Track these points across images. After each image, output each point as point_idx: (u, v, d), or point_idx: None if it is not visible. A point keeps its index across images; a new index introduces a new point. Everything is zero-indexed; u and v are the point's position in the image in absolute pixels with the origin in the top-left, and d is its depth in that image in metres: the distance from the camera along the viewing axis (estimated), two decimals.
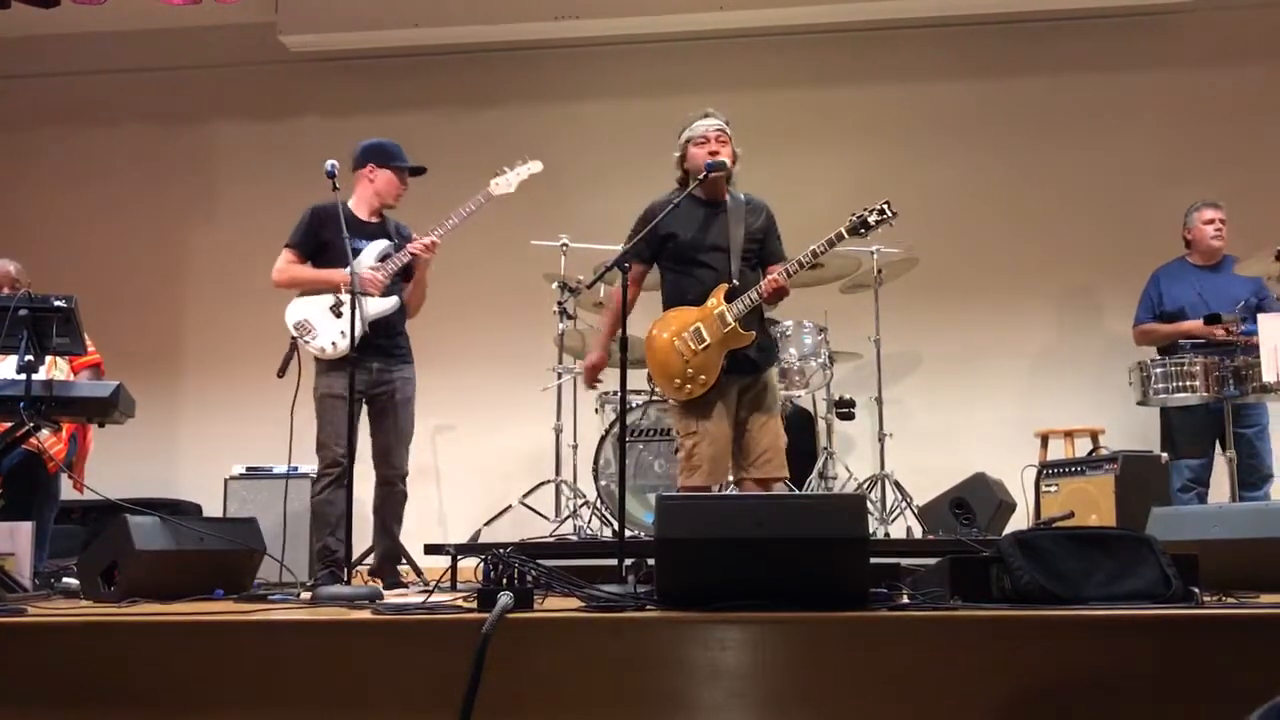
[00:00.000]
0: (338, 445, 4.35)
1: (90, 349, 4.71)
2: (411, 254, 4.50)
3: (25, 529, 3.82)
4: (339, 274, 4.38)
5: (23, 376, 3.83)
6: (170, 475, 6.87)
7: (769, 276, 4.12)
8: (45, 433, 4.34)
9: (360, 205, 4.68)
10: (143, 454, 6.49)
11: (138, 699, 2.59)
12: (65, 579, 3.99)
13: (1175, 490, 5.18)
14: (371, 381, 4.51)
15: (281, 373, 4.31)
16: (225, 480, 6.31)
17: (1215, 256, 5.59)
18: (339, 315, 4.42)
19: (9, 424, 4.03)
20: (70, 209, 7.45)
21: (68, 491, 4.94)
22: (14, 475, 4.59)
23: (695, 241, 4.20)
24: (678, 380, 4.12)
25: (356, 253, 4.33)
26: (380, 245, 4.57)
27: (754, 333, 4.17)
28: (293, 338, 4.42)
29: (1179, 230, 5.77)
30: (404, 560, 5.01)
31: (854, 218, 4.11)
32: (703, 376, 4.10)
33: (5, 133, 7.64)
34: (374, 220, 4.67)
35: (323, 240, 4.50)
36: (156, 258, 7.42)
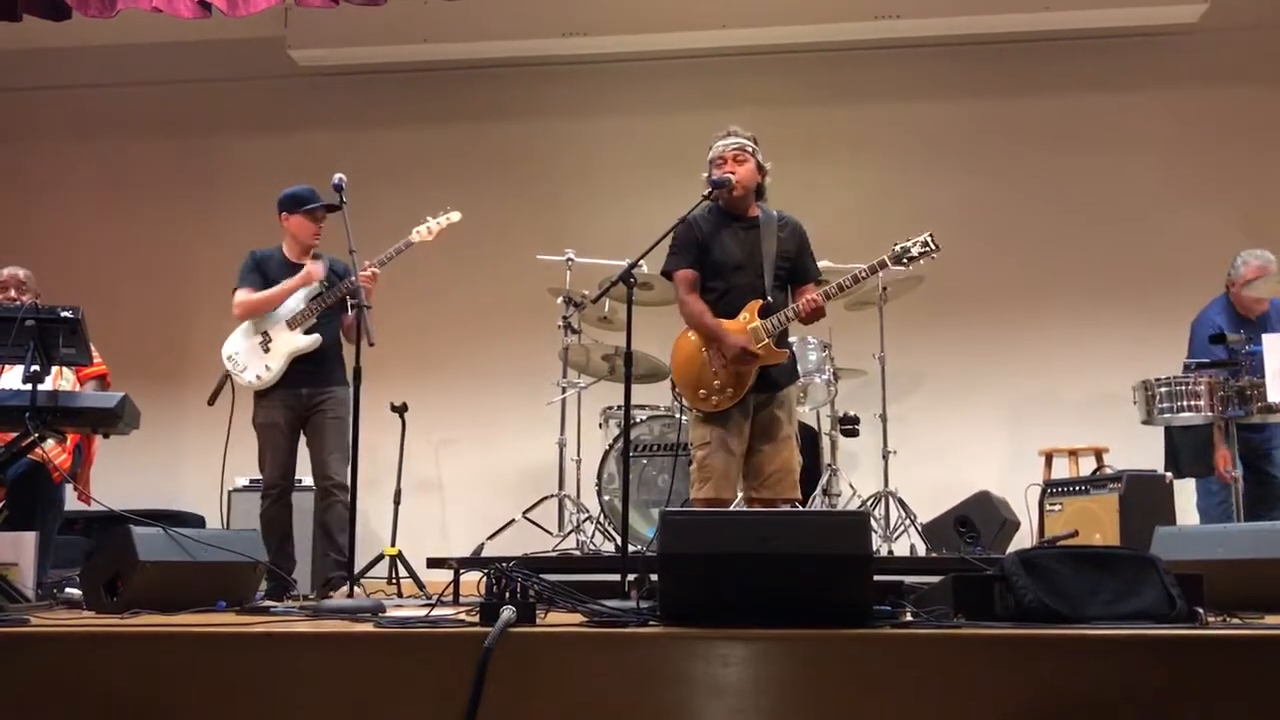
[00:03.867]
0: (275, 471, 4.83)
1: (96, 360, 4.71)
2: (358, 284, 4.53)
3: (29, 539, 3.82)
4: (297, 279, 4.84)
5: (29, 386, 3.84)
6: (173, 487, 6.88)
7: (807, 297, 4.12)
8: (50, 443, 4.34)
9: (290, 249, 5.04)
10: (146, 465, 6.49)
11: (139, 710, 2.58)
12: (68, 589, 3.97)
13: (1212, 506, 5.13)
14: (303, 406, 4.86)
15: (211, 401, 4.81)
16: (228, 492, 6.30)
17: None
18: (266, 350, 4.87)
19: (14, 434, 4.04)
20: (78, 221, 7.48)
21: (71, 502, 4.94)
22: (18, 485, 4.58)
23: (727, 255, 4.21)
24: (704, 391, 4.12)
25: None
26: (310, 287, 4.91)
27: (787, 351, 4.19)
28: (225, 371, 4.87)
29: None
30: (346, 568, 5.08)
31: (897, 247, 4.15)
32: (730, 390, 4.09)
33: (15, 144, 7.68)
34: (303, 261, 4.97)
35: (267, 279, 4.93)
36: (163, 270, 7.44)
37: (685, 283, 4.23)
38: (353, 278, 4.40)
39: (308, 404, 4.89)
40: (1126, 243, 6.74)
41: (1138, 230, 6.73)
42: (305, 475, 5.07)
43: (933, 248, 4.15)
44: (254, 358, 4.89)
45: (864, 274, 4.19)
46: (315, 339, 4.87)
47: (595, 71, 7.33)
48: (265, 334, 4.90)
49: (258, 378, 4.86)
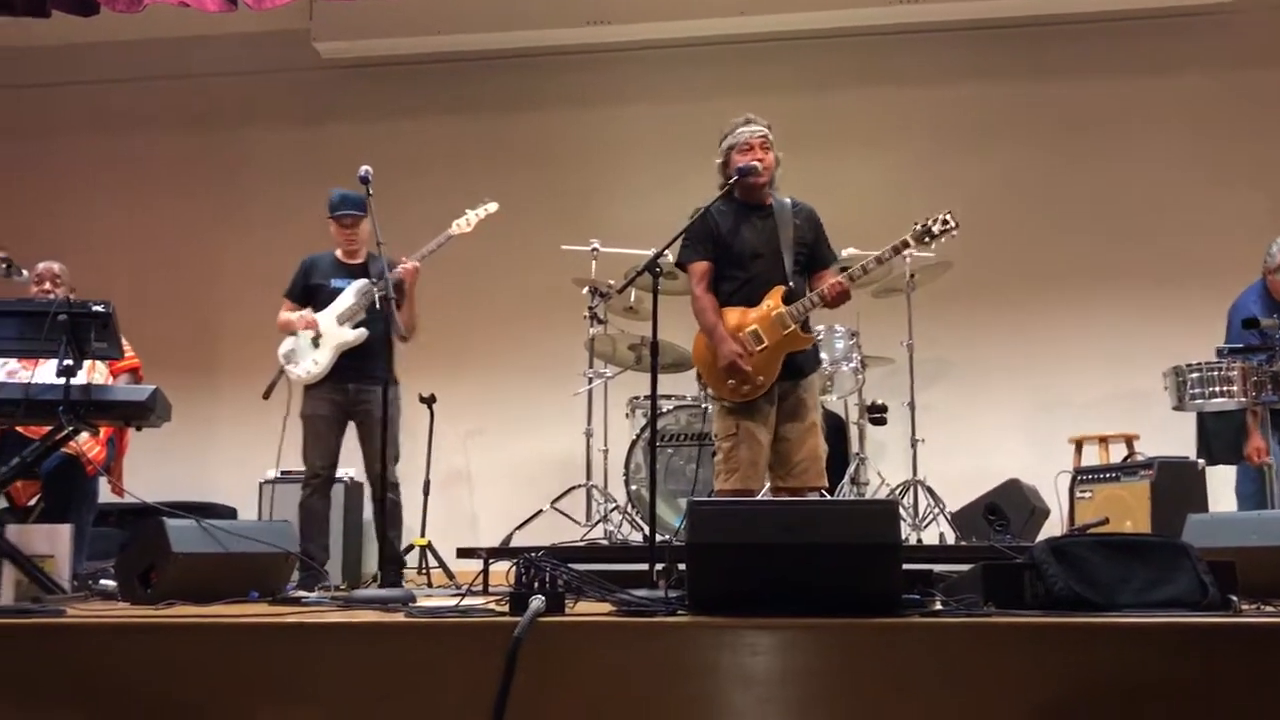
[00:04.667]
0: (317, 459, 4.97)
1: (128, 353, 4.76)
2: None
3: (65, 531, 3.86)
4: (297, 320, 5.03)
5: (62, 380, 3.88)
6: (205, 479, 6.93)
7: (832, 280, 4.11)
8: (84, 436, 4.39)
9: (339, 251, 5.21)
10: (178, 458, 6.55)
11: (174, 700, 2.61)
12: (103, 581, 4.03)
13: (1254, 491, 5.08)
14: (349, 401, 4.99)
15: (267, 395, 5.03)
16: (260, 484, 6.37)
17: None
18: (316, 345, 5.02)
19: (49, 427, 4.09)
20: (107, 215, 7.54)
21: (105, 494, 5.00)
22: (54, 478, 4.64)
23: (745, 243, 4.20)
24: (732, 381, 4.10)
25: (338, 291, 5.06)
26: (359, 284, 5.06)
27: (814, 336, 4.17)
28: (281, 366, 5.07)
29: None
30: (404, 564, 5.25)
31: (918, 226, 4.14)
32: (760, 378, 4.07)
33: (44, 140, 7.75)
34: (353, 262, 5.16)
35: (311, 285, 5.14)
36: (192, 263, 7.50)
37: (698, 275, 4.22)
38: (384, 270, 4.43)
39: (354, 399, 5.00)
40: (1159, 228, 6.67)
41: (1170, 215, 6.66)
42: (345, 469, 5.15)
43: (952, 225, 4.14)
44: (305, 352, 5.03)
45: (887, 255, 4.17)
46: (362, 333, 4.97)
47: (616, 60, 7.32)
48: (316, 331, 5.04)
49: (307, 372, 5.00)
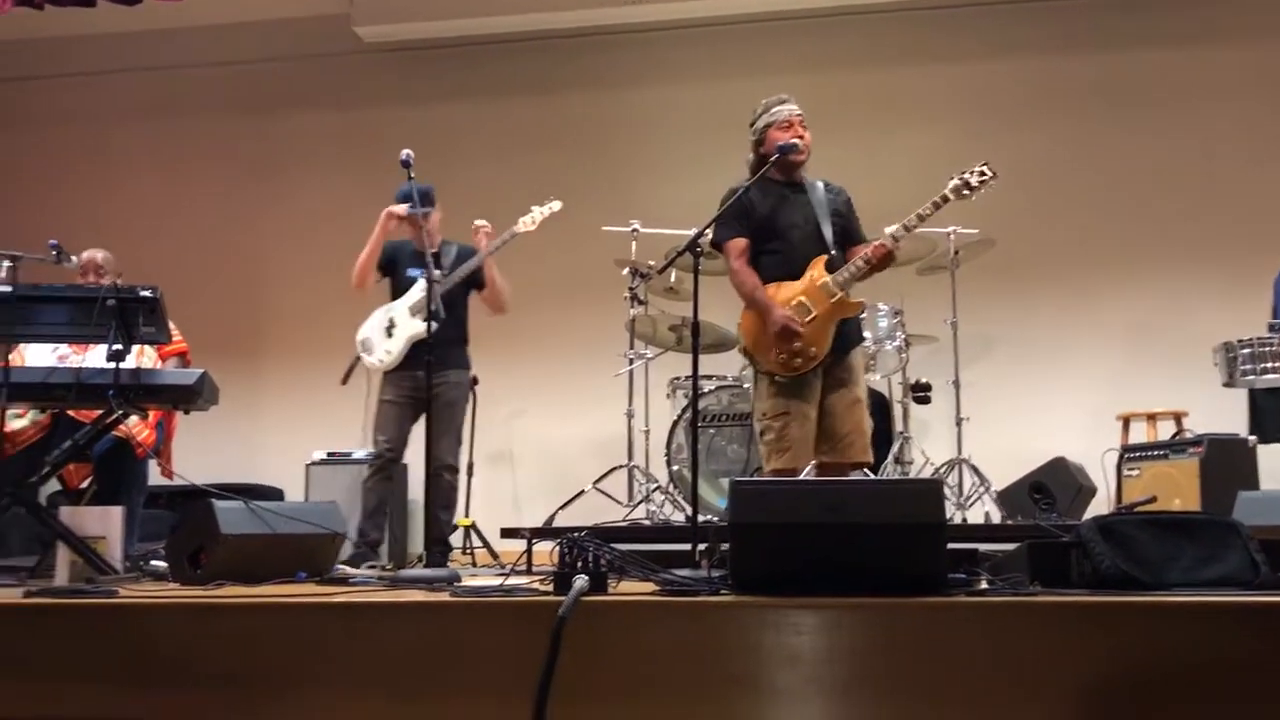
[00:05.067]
0: (384, 442, 5.06)
1: (176, 337, 4.81)
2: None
3: (116, 513, 3.92)
4: (378, 225, 5.06)
5: (112, 365, 3.94)
6: (252, 461, 7.02)
7: (875, 242, 4.09)
8: (133, 420, 4.46)
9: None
10: (226, 440, 6.63)
11: (224, 678, 2.65)
12: (154, 562, 4.09)
13: None
14: (417, 386, 4.98)
15: (344, 381, 5.16)
16: (306, 465, 6.44)
17: None
18: (390, 335, 5.11)
19: (99, 411, 4.16)
20: (153, 202, 7.63)
21: (155, 477, 5.07)
22: (105, 461, 4.71)
23: (784, 218, 4.18)
24: (784, 355, 4.06)
25: (413, 281, 5.14)
26: (435, 273, 5.07)
27: (863, 301, 4.15)
28: (358, 354, 5.17)
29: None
30: (450, 545, 5.27)
31: (956, 180, 4.11)
32: (813, 349, 4.05)
33: (90, 127, 7.84)
34: (428, 250, 5.10)
35: (394, 269, 5.23)
36: (237, 248, 7.58)
37: (736, 251, 4.20)
38: (428, 255, 4.49)
39: (424, 387, 4.94)
40: (1206, 202, 6.55)
41: (1218, 189, 6.53)
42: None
43: (990, 175, 4.11)
44: (379, 341, 5.13)
45: (928, 210, 4.10)
46: (430, 325, 4.97)
47: (657, 39, 7.28)
48: (391, 320, 5.14)
49: (380, 361, 5.11)
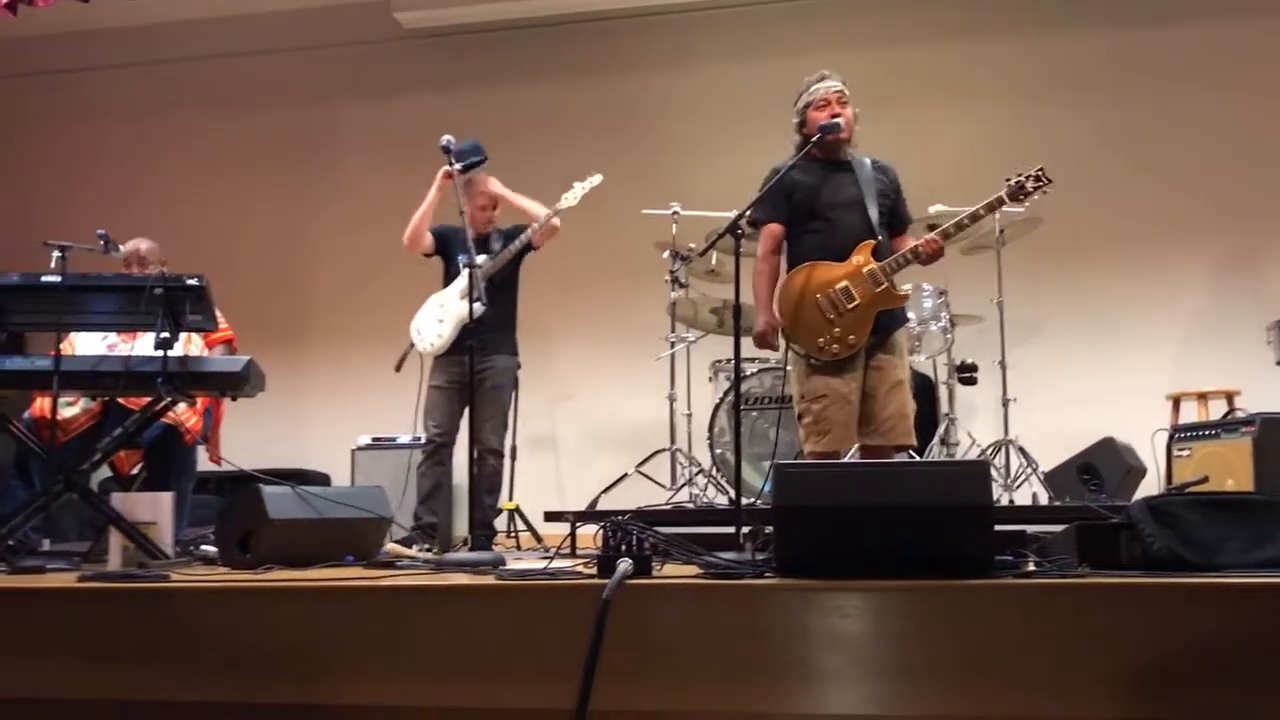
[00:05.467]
0: (434, 427, 5.09)
1: (223, 325, 4.86)
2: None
3: (166, 499, 3.98)
4: (434, 187, 5.10)
5: (160, 353, 3.99)
6: (298, 446, 7.09)
7: (927, 237, 4.04)
8: (181, 407, 4.51)
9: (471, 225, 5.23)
10: (272, 426, 6.69)
11: (273, 660, 2.69)
12: (204, 546, 4.15)
13: None
14: (465, 371, 4.94)
15: (398, 368, 5.19)
16: (352, 451, 6.51)
17: None
18: (440, 320, 5.12)
19: (148, 399, 4.21)
20: (198, 190, 7.71)
21: (203, 463, 5.13)
22: (154, 448, 4.77)
23: (827, 198, 4.13)
24: (821, 340, 4.02)
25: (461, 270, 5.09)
26: (479, 259, 5.03)
27: (907, 293, 4.12)
28: (411, 341, 5.20)
29: None
30: (494, 529, 5.29)
31: (1012, 183, 4.08)
32: (851, 337, 4.01)
33: (137, 118, 7.94)
34: (482, 231, 5.23)
35: (447, 247, 5.25)
36: (282, 235, 7.65)
37: (769, 237, 4.19)
38: (467, 239, 4.49)
39: (472, 371, 5.00)
40: (1258, 179, 6.42)
41: (1268, 167, 6.40)
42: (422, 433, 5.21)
43: (1045, 180, 4.07)
44: (430, 326, 5.15)
45: (982, 212, 4.08)
46: (478, 308, 4.89)
47: (697, 20, 7.25)
48: (442, 305, 5.16)
49: (431, 345, 5.12)
